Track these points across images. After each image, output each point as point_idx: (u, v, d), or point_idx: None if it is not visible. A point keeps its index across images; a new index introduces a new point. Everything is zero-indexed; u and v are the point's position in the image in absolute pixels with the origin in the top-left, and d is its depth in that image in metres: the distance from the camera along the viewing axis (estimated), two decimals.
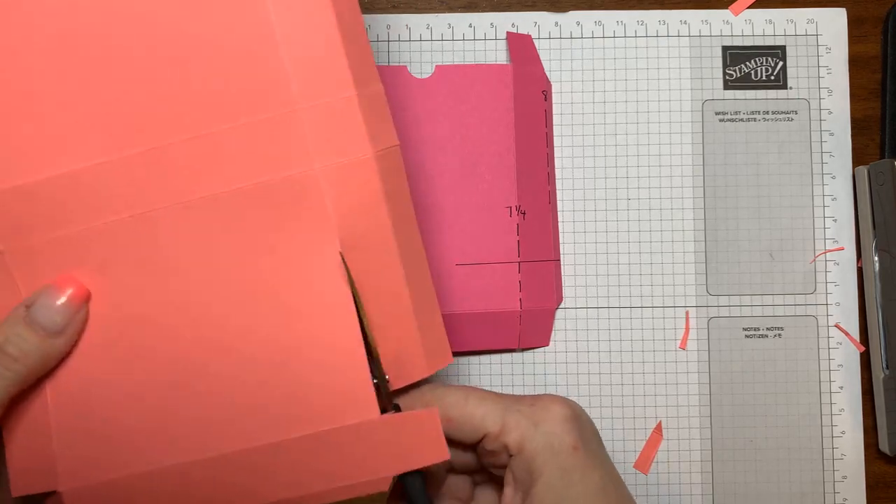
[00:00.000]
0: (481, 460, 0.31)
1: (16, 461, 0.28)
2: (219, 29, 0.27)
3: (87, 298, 0.28)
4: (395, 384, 0.29)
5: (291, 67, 0.27)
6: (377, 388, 0.28)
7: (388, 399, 0.29)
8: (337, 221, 0.28)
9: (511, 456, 0.29)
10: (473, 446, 0.31)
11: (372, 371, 0.28)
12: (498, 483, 0.32)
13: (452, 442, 0.30)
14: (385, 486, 0.28)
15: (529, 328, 0.39)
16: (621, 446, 0.39)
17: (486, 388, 0.39)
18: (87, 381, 0.28)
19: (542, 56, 0.40)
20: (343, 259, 0.28)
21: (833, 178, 0.40)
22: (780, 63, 0.40)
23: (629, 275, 0.40)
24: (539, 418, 0.29)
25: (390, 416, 0.28)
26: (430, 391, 0.30)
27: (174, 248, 0.28)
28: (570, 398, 0.33)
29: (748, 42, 0.40)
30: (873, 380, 0.39)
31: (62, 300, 0.27)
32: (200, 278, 0.28)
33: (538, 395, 0.31)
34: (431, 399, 0.30)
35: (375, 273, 0.28)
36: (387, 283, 0.29)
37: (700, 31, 0.40)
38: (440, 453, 0.28)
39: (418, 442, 0.28)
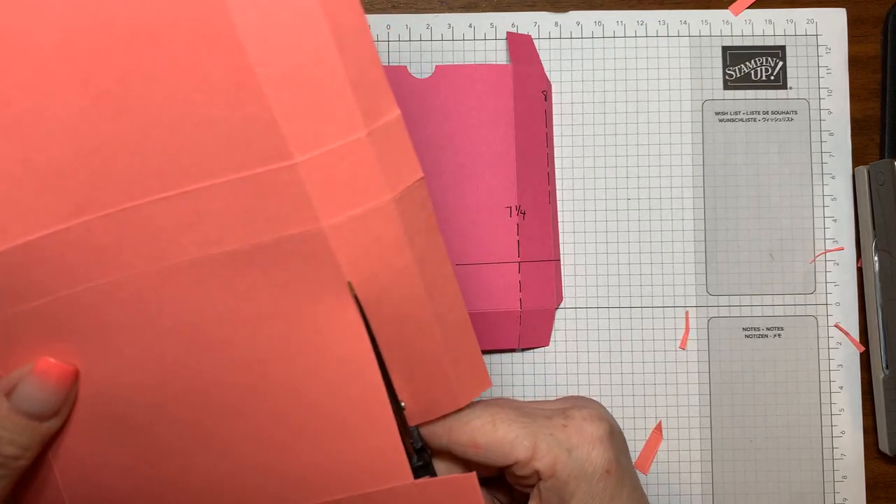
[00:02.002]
0: (507, 477, 0.30)
1: None
2: (190, 69, 0.22)
3: (74, 375, 0.26)
4: (423, 419, 0.28)
5: (280, 112, 0.22)
6: (399, 422, 0.27)
7: (405, 430, 0.27)
8: (354, 278, 0.24)
9: (541, 479, 0.28)
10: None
11: (399, 426, 0.26)
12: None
13: (475, 465, 0.29)
14: None
15: (529, 328, 0.39)
16: None
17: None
18: (90, 456, 0.27)
19: (542, 56, 0.40)
20: (363, 316, 0.25)
21: (833, 178, 0.40)
22: (780, 63, 0.40)
23: (629, 275, 0.40)
24: (572, 443, 0.28)
25: (425, 481, 0.26)
26: (455, 415, 0.28)
27: (159, 312, 0.25)
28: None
29: (748, 42, 0.40)
30: (873, 380, 0.39)
31: (46, 383, 0.25)
32: (195, 343, 0.25)
33: (569, 411, 0.29)
34: (455, 423, 0.28)
35: (402, 320, 0.25)
36: (415, 327, 0.26)
37: (700, 31, 0.40)
38: None
39: None
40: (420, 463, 0.28)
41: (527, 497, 0.30)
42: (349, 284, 0.24)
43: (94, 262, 0.24)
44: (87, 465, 0.27)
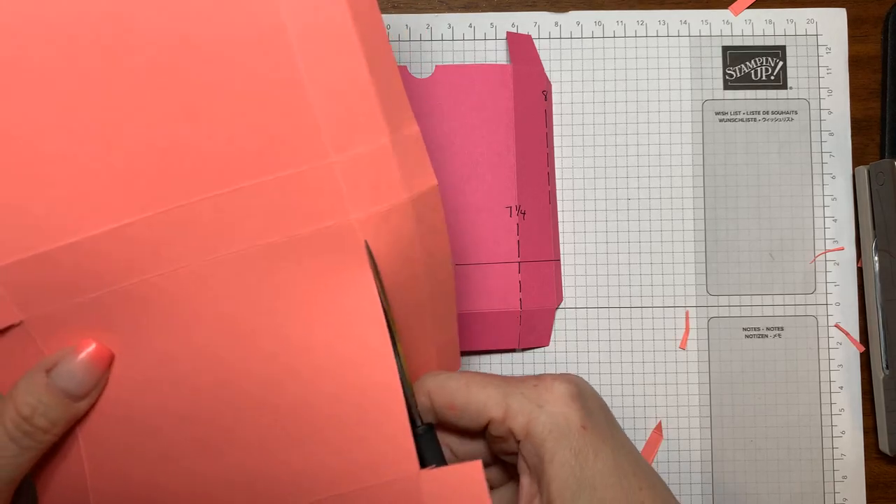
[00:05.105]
0: (491, 448, 0.31)
1: None
2: (242, 74, 0.25)
3: (110, 360, 0.27)
4: None
5: (322, 116, 0.25)
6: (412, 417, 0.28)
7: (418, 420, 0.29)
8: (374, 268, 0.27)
9: (519, 442, 0.29)
10: (481, 433, 0.30)
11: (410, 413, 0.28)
12: (507, 469, 0.32)
13: (458, 430, 0.30)
14: None
15: (529, 328, 0.39)
16: None
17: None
18: (117, 444, 0.28)
19: (542, 56, 0.40)
20: (384, 304, 0.27)
21: (833, 178, 0.40)
22: (780, 63, 0.40)
23: (629, 275, 0.40)
24: (543, 399, 0.28)
25: (431, 471, 0.27)
26: (432, 378, 0.30)
27: (201, 304, 0.27)
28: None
29: (748, 42, 0.40)
30: (873, 380, 0.39)
31: (85, 364, 0.27)
32: (230, 335, 0.27)
33: (542, 375, 0.30)
34: (433, 386, 0.29)
35: (407, 314, 0.28)
36: (412, 316, 0.28)
37: (700, 31, 0.40)
38: None
39: (460, 494, 0.27)
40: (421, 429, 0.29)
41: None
42: (373, 270, 0.27)
43: (149, 256, 0.26)
44: (114, 453, 0.28)
